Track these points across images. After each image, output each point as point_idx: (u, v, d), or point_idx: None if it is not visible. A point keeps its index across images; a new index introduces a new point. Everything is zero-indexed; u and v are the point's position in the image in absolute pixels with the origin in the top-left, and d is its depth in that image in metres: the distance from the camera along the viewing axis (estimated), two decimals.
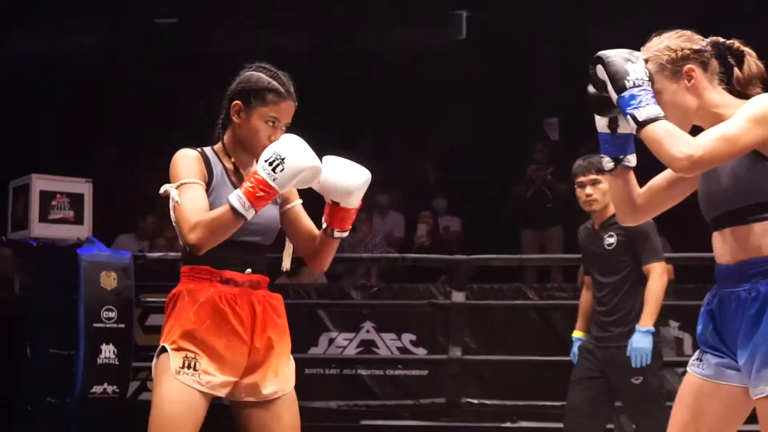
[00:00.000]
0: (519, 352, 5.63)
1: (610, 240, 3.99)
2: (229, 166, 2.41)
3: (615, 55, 2.04)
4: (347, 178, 2.38)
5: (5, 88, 8.87)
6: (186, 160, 2.35)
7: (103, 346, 5.21)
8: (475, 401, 5.33)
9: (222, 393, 2.31)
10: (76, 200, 5.49)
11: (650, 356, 3.76)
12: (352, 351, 5.90)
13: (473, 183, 7.86)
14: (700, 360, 2.11)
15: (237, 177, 2.39)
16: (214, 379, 2.26)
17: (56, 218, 5.42)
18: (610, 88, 2.02)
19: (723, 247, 2.07)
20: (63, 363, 5.35)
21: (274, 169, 2.19)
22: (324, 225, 2.47)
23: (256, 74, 2.40)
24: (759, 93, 2.04)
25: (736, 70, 2.11)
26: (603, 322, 3.96)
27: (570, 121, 7.75)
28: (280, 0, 9.41)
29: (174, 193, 2.27)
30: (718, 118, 2.04)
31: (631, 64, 2.02)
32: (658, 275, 3.86)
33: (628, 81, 1.98)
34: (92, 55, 9.95)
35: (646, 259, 3.91)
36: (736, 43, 2.12)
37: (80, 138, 8.79)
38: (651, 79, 2.02)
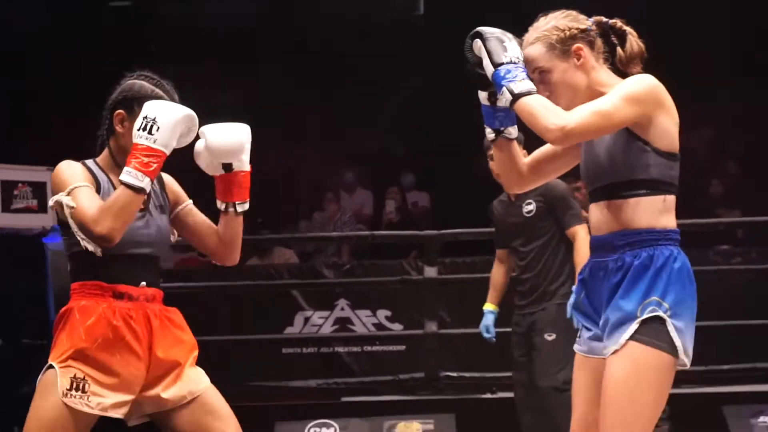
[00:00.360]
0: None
1: (529, 207, 4.08)
2: (114, 177, 2.31)
3: (493, 32, 2.08)
4: (234, 135, 2.36)
5: None
6: (71, 169, 2.29)
7: None
8: (454, 374, 5.38)
9: (118, 413, 2.25)
10: (38, 189, 5.52)
11: None
12: (328, 329, 5.93)
13: (441, 158, 7.89)
14: (579, 338, 2.21)
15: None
16: (105, 400, 2.20)
17: (20, 207, 5.47)
18: (486, 62, 2.06)
19: (598, 219, 2.13)
20: (35, 352, 5.28)
21: (150, 132, 2.16)
22: (223, 207, 2.43)
23: (139, 82, 2.36)
24: (639, 72, 2.11)
25: (618, 49, 2.16)
26: (528, 289, 4.09)
27: None
28: None
29: (66, 200, 2.21)
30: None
31: (507, 41, 2.08)
32: (582, 237, 3.92)
33: (505, 57, 2.04)
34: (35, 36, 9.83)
35: (569, 223, 4.01)
36: (619, 23, 2.17)
37: (33, 124, 8.76)
38: (526, 64, 2.09)
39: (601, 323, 2.08)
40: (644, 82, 2.05)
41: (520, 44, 2.11)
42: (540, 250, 4.08)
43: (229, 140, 2.35)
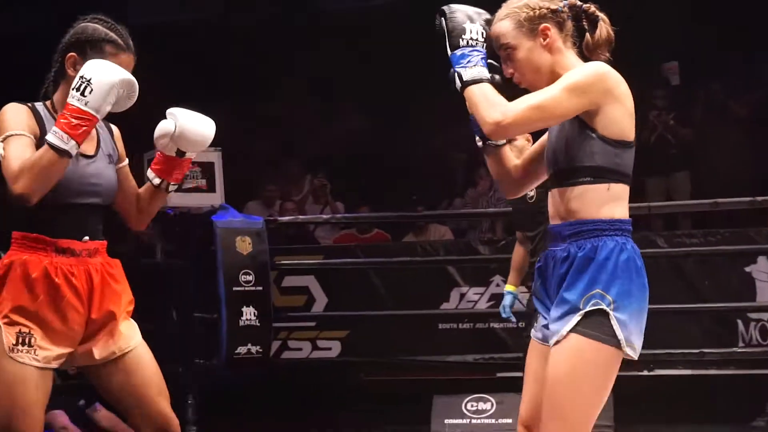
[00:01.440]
0: (650, 301, 5.55)
1: (530, 193, 4.01)
2: None
3: (457, 11, 2.07)
4: (206, 129, 2.37)
5: None
6: (14, 113, 2.22)
7: (244, 309, 5.38)
8: None
9: (56, 365, 2.24)
10: (207, 168, 5.61)
11: None
12: (483, 305, 5.94)
13: None
14: (535, 324, 2.20)
15: None
16: (50, 353, 2.19)
17: (190, 187, 5.53)
18: (447, 43, 2.06)
19: (552, 207, 2.13)
20: (208, 326, 5.59)
21: (83, 93, 2.09)
22: (157, 182, 2.41)
23: (92, 25, 2.29)
24: (604, 59, 2.07)
25: (587, 34, 2.12)
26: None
27: (689, 65, 7.60)
28: None
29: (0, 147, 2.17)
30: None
31: (470, 23, 2.06)
32: None
33: (463, 39, 2.03)
34: None
35: None
36: (593, 7, 2.12)
37: None
38: (495, 37, 2.08)
39: (551, 310, 2.08)
40: (590, 72, 2.02)
41: (490, 22, 2.10)
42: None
43: (202, 134, 2.37)
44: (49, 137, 2.09)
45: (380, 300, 6.02)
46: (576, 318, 1.97)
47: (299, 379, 6.16)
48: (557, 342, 2.00)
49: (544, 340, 2.13)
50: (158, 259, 6.31)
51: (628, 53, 7.87)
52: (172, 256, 6.10)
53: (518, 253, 4.34)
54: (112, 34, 2.27)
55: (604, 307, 1.95)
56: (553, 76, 2.07)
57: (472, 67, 2.02)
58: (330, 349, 6.17)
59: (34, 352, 2.15)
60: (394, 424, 4.81)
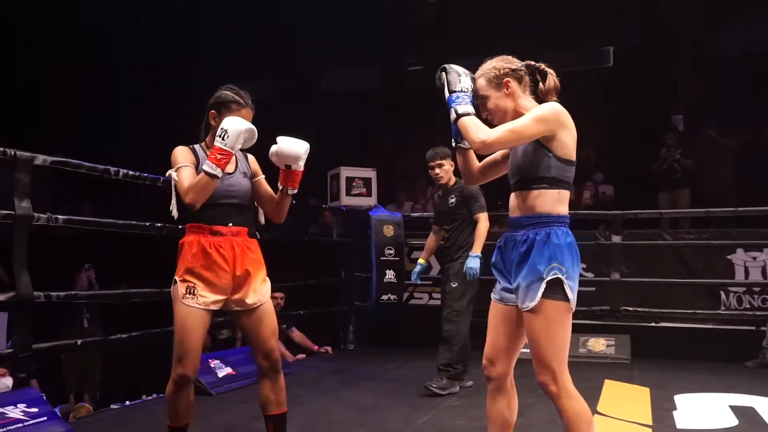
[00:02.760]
0: (659, 275, 5.57)
1: (452, 200, 4.12)
2: None
3: (453, 69, 2.06)
4: (296, 148, 2.34)
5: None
6: (181, 153, 2.31)
7: (387, 271, 5.61)
8: (630, 308, 5.35)
9: (216, 307, 2.29)
10: (367, 182, 5.95)
11: (478, 272, 3.86)
12: None
13: (623, 162, 7.79)
14: (495, 289, 2.13)
15: None
16: (207, 298, 2.25)
17: (356, 193, 5.91)
18: (445, 89, 2.05)
19: (513, 204, 2.07)
20: (363, 281, 5.88)
21: (222, 138, 2.18)
22: (280, 187, 2.42)
23: (224, 92, 2.35)
24: (553, 101, 2.04)
25: (540, 83, 2.09)
26: (446, 254, 4.12)
27: (692, 116, 7.53)
28: None
29: (174, 175, 2.27)
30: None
31: (463, 77, 2.05)
32: (483, 221, 3.98)
33: (458, 86, 2.03)
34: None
35: (476, 211, 4.01)
36: (543, 65, 2.10)
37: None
38: (474, 90, 2.06)
39: (514, 284, 2.01)
40: (550, 108, 1.98)
41: (473, 79, 2.09)
42: (456, 228, 4.11)
43: (291, 151, 2.34)
44: (204, 167, 2.20)
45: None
46: (543, 286, 1.92)
47: (421, 318, 6.04)
48: (532, 308, 1.94)
49: (502, 300, 2.09)
50: (335, 238, 6.51)
51: (649, 109, 7.99)
52: (343, 237, 6.33)
53: (431, 239, 4.36)
54: (236, 97, 2.32)
55: (560, 276, 1.92)
56: (516, 115, 2.04)
57: (464, 105, 2.01)
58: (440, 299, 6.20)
59: (197, 299, 2.24)
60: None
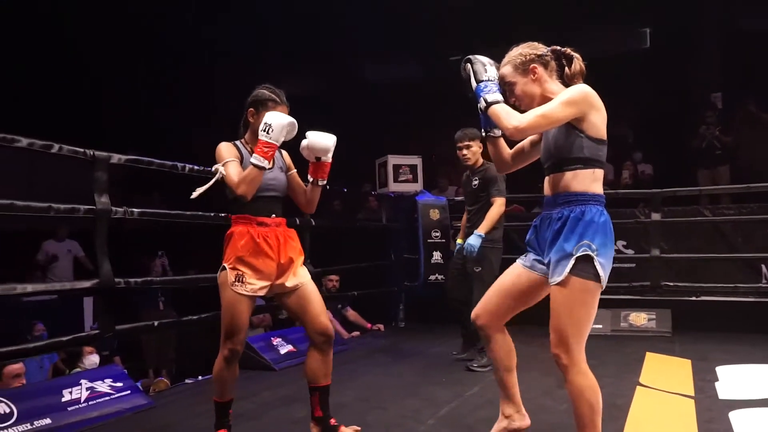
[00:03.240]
0: (699, 251, 5.46)
1: (475, 182, 4.03)
2: (250, 151, 2.34)
3: (479, 59, 2.03)
4: (325, 141, 2.35)
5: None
6: (226, 149, 2.31)
7: (434, 253, 5.65)
8: (670, 284, 5.25)
9: (262, 293, 2.31)
10: (413, 168, 5.98)
11: (477, 249, 3.78)
12: None
13: (663, 139, 7.56)
14: (525, 256, 2.12)
15: None
16: (254, 285, 2.26)
17: (403, 179, 5.94)
18: (472, 79, 2.01)
19: (547, 185, 2.03)
20: (411, 263, 5.89)
21: (267, 132, 2.18)
22: (310, 179, 2.44)
23: (261, 90, 2.36)
24: (579, 83, 2.00)
25: (566, 68, 2.04)
26: (468, 235, 3.98)
27: (730, 95, 7.31)
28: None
29: (221, 169, 2.24)
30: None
31: (488, 66, 2.02)
32: (497, 205, 3.88)
33: (484, 76, 2.00)
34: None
35: (493, 194, 3.91)
36: (569, 50, 2.06)
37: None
38: (500, 77, 2.04)
39: (549, 257, 1.97)
40: (578, 90, 1.94)
41: (498, 68, 2.06)
42: (478, 210, 4.02)
43: (321, 144, 2.35)
44: (253, 160, 2.20)
45: (516, 248, 5.96)
46: (572, 262, 1.88)
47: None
48: (559, 282, 1.90)
49: (532, 268, 2.08)
50: (384, 222, 6.49)
51: (689, 87, 7.77)
52: (392, 221, 6.31)
53: (464, 220, 4.27)
54: (272, 95, 2.33)
55: (590, 253, 1.88)
56: (543, 100, 2.00)
57: (493, 93, 1.98)
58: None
59: (245, 287, 2.25)
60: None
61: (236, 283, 2.24)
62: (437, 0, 8.35)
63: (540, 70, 2.03)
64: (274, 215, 2.36)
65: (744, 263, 5.46)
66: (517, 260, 2.16)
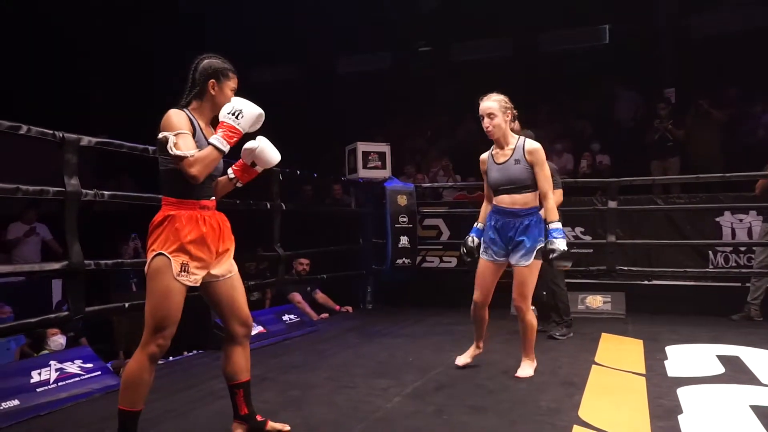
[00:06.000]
0: (651, 237, 5.52)
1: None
2: (202, 124, 2.11)
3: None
4: (274, 156, 2.23)
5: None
6: (177, 117, 2.02)
7: (401, 237, 5.72)
8: (625, 268, 5.23)
9: (197, 284, 2.09)
10: (382, 156, 5.94)
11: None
12: None
13: (618, 132, 7.67)
14: (486, 253, 3.06)
15: (207, 130, 2.12)
16: (197, 276, 2.05)
17: (372, 166, 5.92)
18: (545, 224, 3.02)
19: (508, 199, 2.98)
20: (379, 247, 5.89)
21: (236, 117, 2.02)
22: (231, 176, 2.28)
23: (215, 60, 2.14)
24: (518, 130, 3.23)
25: (515, 122, 3.10)
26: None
27: (682, 90, 7.40)
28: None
29: (172, 139, 1.96)
30: (508, 136, 2.99)
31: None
32: (551, 198, 3.65)
33: (556, 223, 2.96)
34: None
35: (543, 187, 3.80)
36: (515, 112, 3.04)
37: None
38: (484, 108, 3.00)
39: (511, 250, 2.97)
40: (538, 148, 2.95)
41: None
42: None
43: (269, 157, 2.23)
44: (214, 141, 2.01)
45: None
46: (533, 253, 2.93)
47: (432, 279, 6.12)
48: (526, 265, 2.94)
49: (494, 261, 3.04)
50: (353, 207, 6.45)
51: (645, 82, 7.85)
52: (361, 206, 6.27)
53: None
54: (227, 65, 2.14)
55: (541, 244, 2.93)
56: (505, 134, 3.00)
57: (556, 223, 2.91)
58: (450, 262, 6.17)
59: (189, 276, 2.03)
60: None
61: (182, 273, 2.00)
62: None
63: (510, 117, 3.01)
64: (212, 197, 2.15)
65: (693, 249, 5.55)
66: (481, 257, 3.08)
